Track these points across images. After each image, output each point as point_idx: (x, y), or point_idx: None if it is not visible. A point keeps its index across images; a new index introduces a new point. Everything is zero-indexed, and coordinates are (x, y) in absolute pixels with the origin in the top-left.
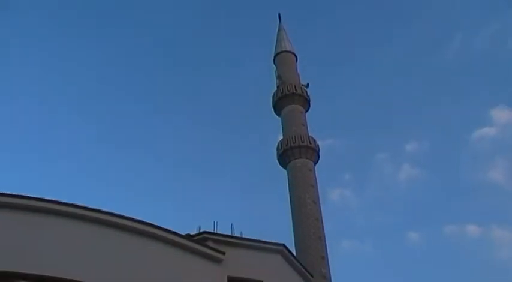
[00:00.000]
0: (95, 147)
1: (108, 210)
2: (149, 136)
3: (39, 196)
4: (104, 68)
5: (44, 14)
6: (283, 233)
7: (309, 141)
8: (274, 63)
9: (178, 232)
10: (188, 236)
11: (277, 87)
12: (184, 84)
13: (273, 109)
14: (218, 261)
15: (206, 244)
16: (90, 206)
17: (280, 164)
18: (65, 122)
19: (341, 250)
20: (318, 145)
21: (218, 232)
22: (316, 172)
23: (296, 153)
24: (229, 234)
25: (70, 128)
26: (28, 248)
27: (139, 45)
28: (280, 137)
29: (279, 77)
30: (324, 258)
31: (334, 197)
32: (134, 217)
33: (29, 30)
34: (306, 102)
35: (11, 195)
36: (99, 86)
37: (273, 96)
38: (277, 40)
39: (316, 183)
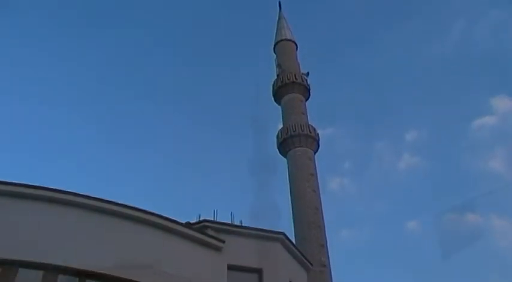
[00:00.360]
0: (94, 138)
1: (108, 199)
2: (149, 128)
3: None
4: (103, 67)
5: (43, 13)
6: (283, 221)
7: (309, 130)
8: (275, 52)
9: (178, 220)
10: (188, 224)
11: (277, 75)
12: (185, 75)
13: (273, 98)
14: (218, 249)
15: (206, 232)
16: (91, 195)
17: (280, 152)
18: (65, 120)
19: (341, 239)
20: (317, 134)
21: (218, 220)
22: (316, 161)
23: (296, 141)
24: (229, 222)
25: (70, 126)
26: (27, 236)
27: (136, 41)
28: (281, 126)
29: (279, 65)
30: (324, 246)
31: (334, 185)
32: (134, 205)
33: (29, 29)
34: (306, 91)
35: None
36: (99, 86)
37: (273, 85)
38: (277, 28)
39: (316, 172)
